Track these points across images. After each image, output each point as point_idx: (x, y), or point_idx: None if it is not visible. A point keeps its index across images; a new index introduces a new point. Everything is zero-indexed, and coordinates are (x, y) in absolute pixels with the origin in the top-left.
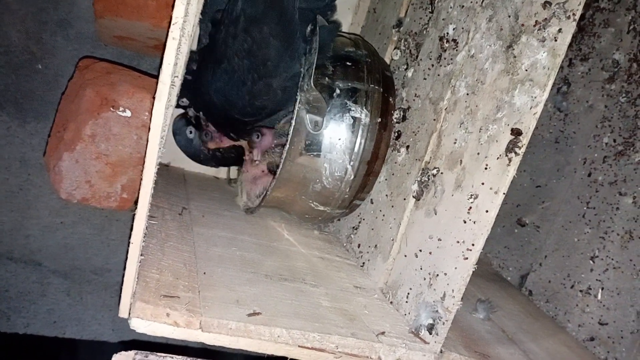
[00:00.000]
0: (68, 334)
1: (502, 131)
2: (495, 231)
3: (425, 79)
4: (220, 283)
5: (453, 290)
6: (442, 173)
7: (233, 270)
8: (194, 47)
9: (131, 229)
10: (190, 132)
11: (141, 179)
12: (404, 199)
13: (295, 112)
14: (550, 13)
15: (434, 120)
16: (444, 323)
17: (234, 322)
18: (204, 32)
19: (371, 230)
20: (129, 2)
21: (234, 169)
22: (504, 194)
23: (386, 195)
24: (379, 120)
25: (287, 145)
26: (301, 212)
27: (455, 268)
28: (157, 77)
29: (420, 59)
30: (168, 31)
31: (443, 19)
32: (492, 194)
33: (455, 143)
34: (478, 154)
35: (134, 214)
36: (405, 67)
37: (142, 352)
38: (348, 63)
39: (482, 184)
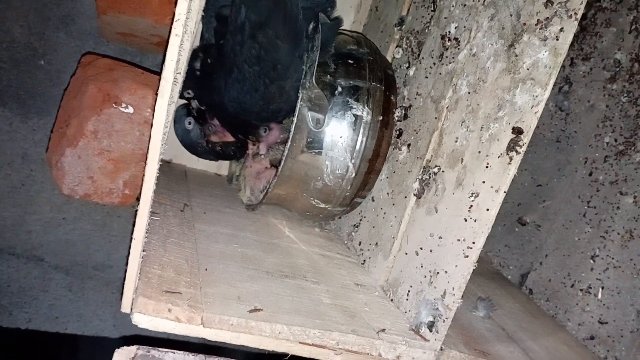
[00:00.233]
0: (69, 329)
1: (503, 130)
2: (496, 230)
3: (427, 77)
4: (222, 279)
5: (453, 288)
6: (443, 171)
7: (234, 267)
8: (197, 43)
9: (133, 225)
10: (189, 123)
11: (143, 176)
12: (405, 197)
13: (297, 109)
14: (552, 12)
15: (436, 118)
16: (444, 321)
17: (235, 318)
18: (207, 28)
19: (372, 228)
20: None
21: (236, 166)
22: (504, 192)
23: (387, 193)
24: (381, 118)
25: (289, 143)
26: (302, 210)
27: (456, 266)
28: (159, 73)
29: (422, 58)
30: (171, 28)
31: (445, 18)
32: (493, 193)
33: (456, 141)
34: (479, 152)
35: (136, 210)
36: (407, 65)
37: (144, 347)
38: (350, 61)
39: (483, 182)
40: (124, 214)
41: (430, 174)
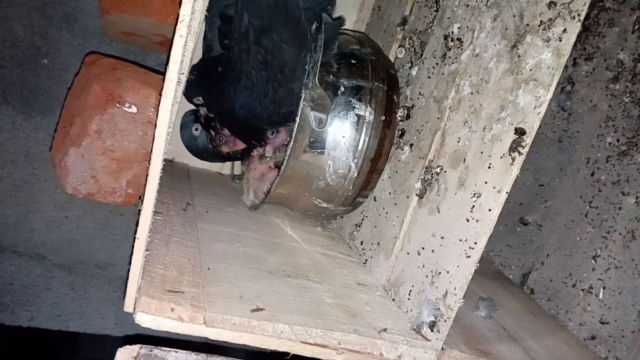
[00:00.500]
0: (72, 327)
1: (505, 130)
2: (498, 229)
3: (429, 77)
4: (224, 279)
5: (455, 288)
6: (445, 172)
7: (237, 266)
8: (200, 44)
9: (136, 225)
10: (196, 130)
11: (147, 176)
12: (407, 197)
13: (300, 109)
14: (555, 13)
15: (438, 118)
16: (445, 321)
17: (238, 318)
18: (210, 28)
19: (374, 227)
20: None
21: (237, 165)
22: (507, 193)
23: (389, 193)
24: (383, 118)
25: (291, 143)
26: (304, 209)
27: (458, 266)
28: (162, 73)
29: (425, 58)
30: (175, 28)
31: (448, 18)
32: (495, 193)
33: (459, 142)
34: (482, 153)
35: (140, 210)
36: (409, 65)
37: (147, 346)
38: (353, 61)
39: (486, 182)
40: (126, 213)
41: (432, 174)
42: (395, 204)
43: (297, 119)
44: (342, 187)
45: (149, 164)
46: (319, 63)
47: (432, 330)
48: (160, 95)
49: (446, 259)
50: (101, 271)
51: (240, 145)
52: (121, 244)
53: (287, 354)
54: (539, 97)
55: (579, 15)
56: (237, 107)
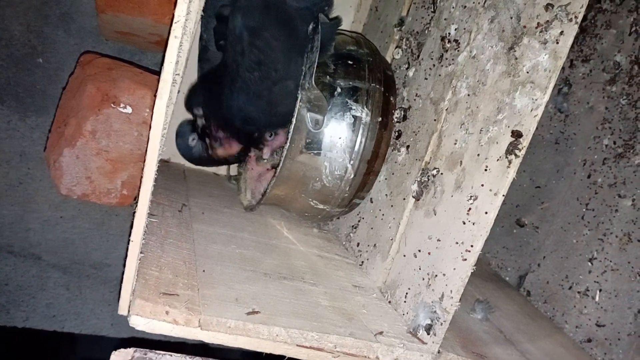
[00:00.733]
0: (67, 328)
1: (502, 133)
2: (494, 231)
3: (426, 78)
4: (220, 281)
5: (451, 291)
6: (442, 174)
7: (232, 268)
8: (196, 44)
9: (131, 227)
10: (193, 140)
11: (142, 177)
12: (404, 199)
13: (296, 110)
14: (553, 15)
15: (435, 120)
16: (442, 324)
17: (233, 321)
18: (205, 28)
19: (370, 229)
20: None
21: (233, 165)
22: (503, 195)
23: (386, 194)
24: (380, 119)
25: (287, 144)
26: (301, 210)
27: (454, 269)
28: (158, 73)
29: (422, 59)
30: (170, 28)
31: (445, 19)
32: (492, 196)
33: (455, 144)
34: (478, 155)
35: (134, 211)
36: (406, 66)
37: (141, 349)
38: (349, 62)
39: (482, 185)
40: (122, 213)
41: (429, 176)
42: (392, 206)
43: (294, 120)
44: (338, 188)
45: (144, 166)
46: (316, 64)
47: (428, 333)
48: (156, 96)
49: (442, 262)
50: (97, 271)
51: (235, 149)
52: (117, 244)
53: (282, 357)
54: (536, 100)
55: (576, 17)
56: (234, 111)
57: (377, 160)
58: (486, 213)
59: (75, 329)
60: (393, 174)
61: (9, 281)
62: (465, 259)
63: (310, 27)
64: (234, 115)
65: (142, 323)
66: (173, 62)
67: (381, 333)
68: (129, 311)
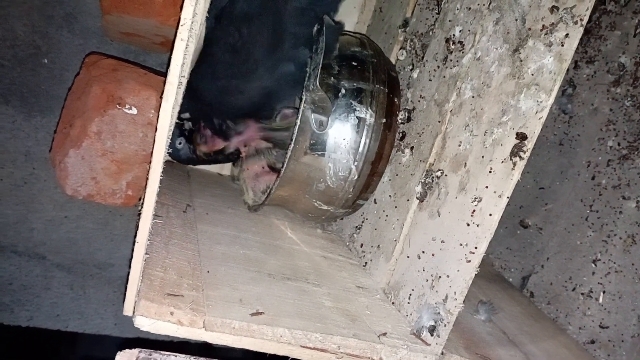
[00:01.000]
0: (71, 327)
1: (507, 135)
2: (498, 232)
3: (430, 80)
4: (224, 282)
5: (455, 293)
6: (446, 175)
7: (236, 269)
8: (200, 45)
9: (136, 227)
10: (180, 143)
11: (147, 179)
12: (408, 200)
13: (301, 111)
14: (558, 18)
15: (439, 122)
16: (445, 325)
17: (237, 322)
18: (208, 30)
19: (374, 230)
20: None
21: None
22: (508, 198)
23: (390, 195)
24: (384, 120)
25: (292, 145)
26: (305, 211)
27: (458, 271)
28: (163, 74)
29: (426, 60)
30: (176, 31)
31: (449, 21)
32: (496, 198)
33: (460, 146)
34: (482, 157)
35: (140, 212)
36: (410, 67)
37: (146, 350)
38: (354, 63)
39: (486, 187)
40: (126, 213)
41: (433, 177)
42: (396, 207)
43: (298, 121)
44: (342, 189)
45: (150, 167)
46: (320, 65)
47: (432, 335)
48: (161, 98)
49: (446, 263)
50: (100, 271)
51: (219, 145)
52: (121, 244)
53: (286, 357)
54: (541, 102)
55: (581, 20)
56: (193, 77)
57: (381, 162)
58: (490, 215)
59: (79, 329)
60: (397, 175)
61: (13, 280)
62: (469, 261)
63: (315, 28)
64: (192, 82)
65: (147, 324)
66: (179, 65)
67: (385, 334)
68: (134, 312)
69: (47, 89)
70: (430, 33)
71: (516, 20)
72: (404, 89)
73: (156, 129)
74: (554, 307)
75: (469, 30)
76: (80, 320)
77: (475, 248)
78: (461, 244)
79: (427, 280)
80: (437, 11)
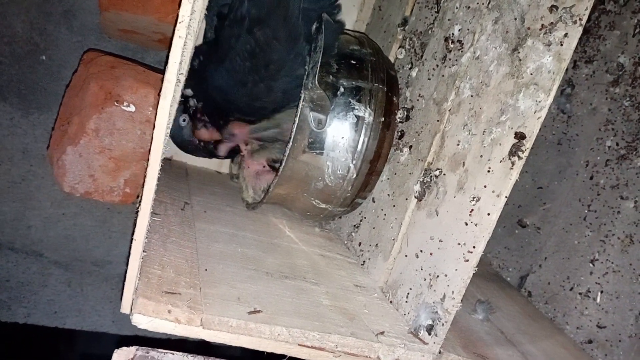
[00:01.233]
0: (68, 324)
1: (505, 134)
2: (496, 231)
3: (429, 79)
4: (222, 280)
5: (453, 292)
6: (444, 174)
7: (234, 267)
8: (199, 42)
9: (134, 225)
10: (184, 121)
11: (145, 177)
12: (406, 199)
13: (299, 109)
14: (557, 17)
15: (438, 121)
16: (443, 324)
17: (235, 320)
18: (210, 27)
19: (372, 229)
20: None
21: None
22: (506, 197)
23: (388, 194)
24: (383, 119)
25: (290, 143)
26: (303, 209)
27: (456, 270)
28: (161, 71)
29: (425, 59)
30: (174, 28)
31: (449, 20)
32: (495, 197)
33: (458, 145)
34: (481, 156)
35: (137, 210)
36: (409, 66)
37: (143, 348)
38: (352, 61)
39: (485, 186)
40: (124, 210)
41: (431, 176)
42: (394, 206)
43: (297, 120)
44: (340, 188)
45: (147, 165)
46: (319, 64)
47: (429, 334)
48: (159, 95)
49: (444, 263)
50: (98, 269)
51: (217, 136)
52: (118, 242)
53: (284, 356)
54: (540, 102)
55: (580, 19)
56: (213, 88)
57: (379, 160)
58: (488, 214)
59: (77, 326)
60: (395, 174)
61: (10, 278)
62: (467, 260)
63: (314, 27)
64: (212, 92)
65: (145, 322)
66: (177, 62)
67: (382, 333)
68: (131, 310)
69: (44, 85)
70: (430, 32)
71: (515, 19)
72: (403, 88)
73: (154, 126)
74: (551, 306)
75: (468, 29)
76: (78, 317)
77: (474, 247)
78: (459, 243)
79: (425, 280)
80: (436, 10)
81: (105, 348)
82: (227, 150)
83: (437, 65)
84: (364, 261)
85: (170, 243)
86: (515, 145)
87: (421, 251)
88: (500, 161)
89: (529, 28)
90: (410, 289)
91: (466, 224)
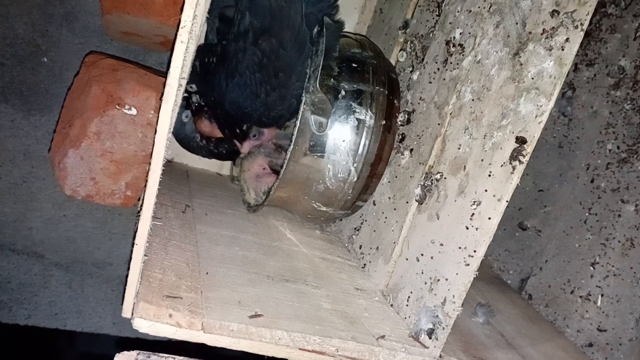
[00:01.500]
0: (69, 326)
1: (506, 139)
2: (497, 234)
3: (430, 82)
4: (223, 283)
5: (454, 296)
6: (445, 178)
7: (235, 271)
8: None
9: (135, 229)
10: (186, 117)
11: (146, 181)
12: (407, 202)
13: (300, 113)
14: (558, 22)
15: (439, 124)
16: (443, 328)
17: (236, 324)
18: (211, 29)
19: (373, 232)
20: None
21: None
22: (507, 201)
23: (389, 197)
24: (384, 122)
25: (291, 146)
26: (304, 212)
27: (457, 274)
28: (163, 74)
29: (426, 62)
30: (177, 33)
31: (450, 23)
32: (495, 202)
33: (459, 148)
34: (482, 160)
35: (139, 214)
36: (410, 69)
37: (144, 352)
38: (354, 64)
39: (486, 190)
40: (124, 212)
41: (432, 180)
42: (395, 209)
43: (298, 123)
44: (341, 191)
45: (149, 169)
46: (320, 67)
47: (430, 338)
48: (161, 100)
49: (445, 266)
50: (99, 270)
51: (217, 133)
52: (119, 243)
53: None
54: (541, 106)
55: (581, 24)
56: (227, 102)
57: (380, 163)
58: (489, 219)
59: (77, 327)
60: (396, 177)
61: (11, 279)
62: (468, 264)
63: (315, 30)
64: (226, 105)
65: (146, 326)
66: (179, 67)
67: (383, 337)
68: (132, 314)
69: (46, 87)
70: (431, 35)
71: (517, 23)
72: (404, 91)
73: (156, 130)
74: (552, 309)
75: (470, 33)
76: (79, 318)
77: (474, 251)
78: (460, 247)
79: (425, 283)
80: (437, 13)
81: (105, 349)
82: (249, 147)
83: (439, 69)
84: (365, 264)
85: (171, 246)
86: (516, 150)
87: (422, 255)
88: (501, 165)
89: (530, 32)
90: (411, 292)
91: (467, 228)
